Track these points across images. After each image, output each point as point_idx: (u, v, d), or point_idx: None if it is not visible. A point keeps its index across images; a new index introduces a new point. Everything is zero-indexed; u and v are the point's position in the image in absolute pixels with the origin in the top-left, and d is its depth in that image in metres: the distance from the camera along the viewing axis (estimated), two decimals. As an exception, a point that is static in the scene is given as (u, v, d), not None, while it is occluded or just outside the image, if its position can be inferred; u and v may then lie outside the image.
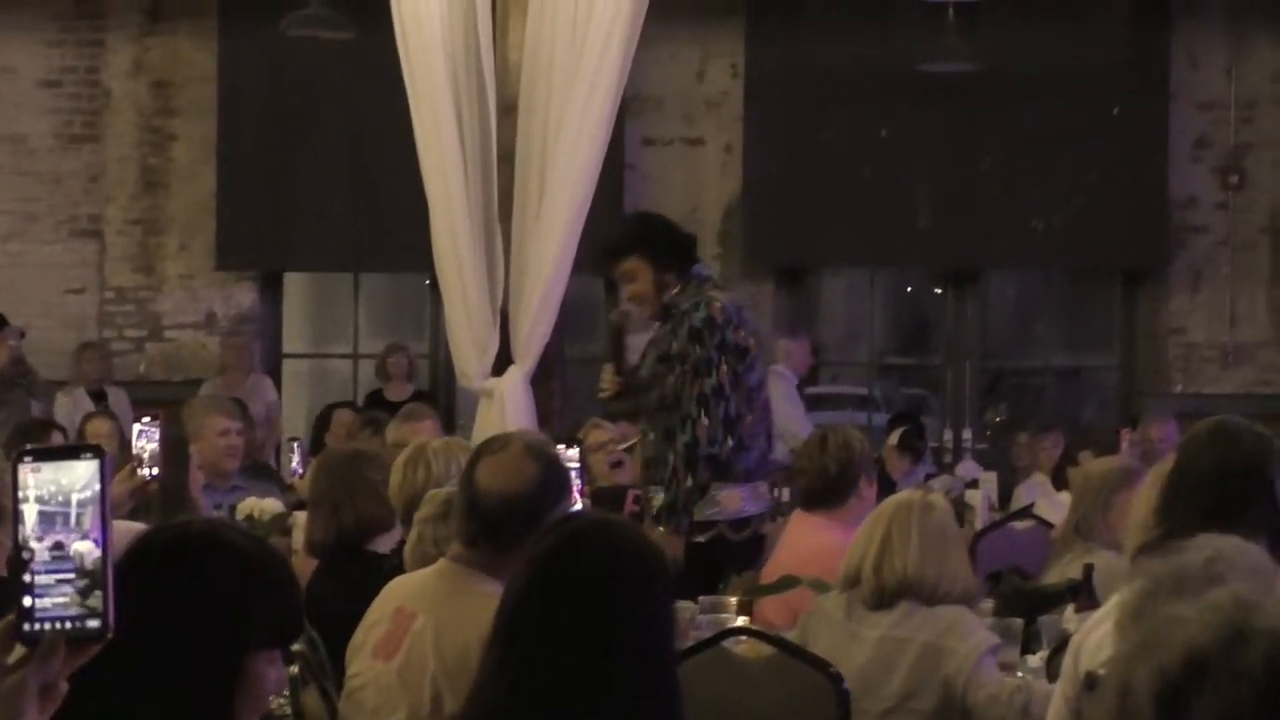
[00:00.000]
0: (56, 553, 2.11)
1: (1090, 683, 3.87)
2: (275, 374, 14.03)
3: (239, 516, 7.19)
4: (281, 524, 7.21)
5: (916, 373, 14.99)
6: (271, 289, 14.14)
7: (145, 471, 5.56)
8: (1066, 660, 4.35)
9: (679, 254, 7.25)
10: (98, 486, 2.13)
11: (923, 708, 5.00)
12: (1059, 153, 13.24)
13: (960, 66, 12.26)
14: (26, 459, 2.14)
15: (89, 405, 12.02)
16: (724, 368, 6.95)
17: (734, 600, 5.81)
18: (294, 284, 14.55)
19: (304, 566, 5.90)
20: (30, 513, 2.12)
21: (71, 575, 2.11)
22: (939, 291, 14.53)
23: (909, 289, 15.47)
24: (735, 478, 6.99)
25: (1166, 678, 1.76)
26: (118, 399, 12.47)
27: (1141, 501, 5.07)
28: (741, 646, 5.14)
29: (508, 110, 8.65)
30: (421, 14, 8.53)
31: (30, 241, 13.75)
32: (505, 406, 8.47)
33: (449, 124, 8.54)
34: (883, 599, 5.10)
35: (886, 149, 13.45)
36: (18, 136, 13.67)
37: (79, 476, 2.13)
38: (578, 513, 4.60)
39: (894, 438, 10.93)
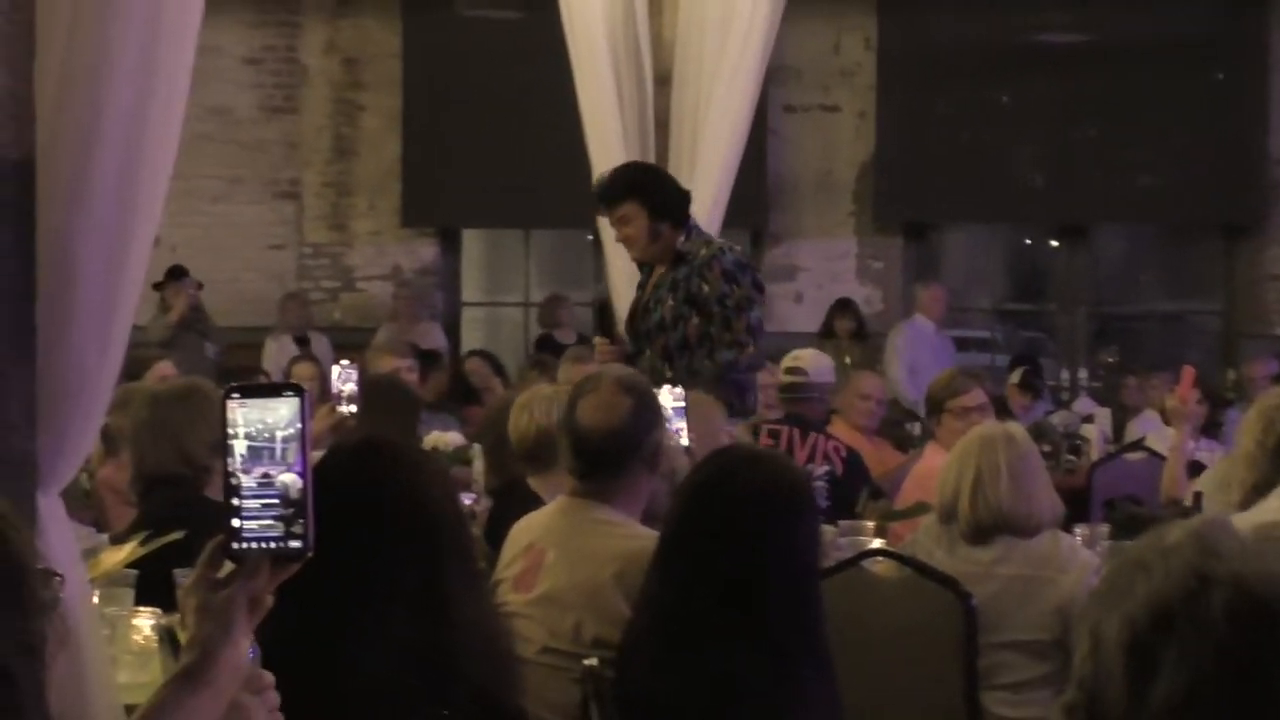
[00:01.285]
0: (263, 481, 2.11)
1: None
2: (455, 321, 14.14)
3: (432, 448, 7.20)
4: (462, 455, 7.21)
5: (1033, 318, 14.80)
6: (450, 244, 14.21)
7: (344, 409, 5.55)
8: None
9: (673, 204, 6.98)
10: (299, 423, 2.13)
11: (1042, 638, 4.87)
12: (1163, 116, 13.05)
13: (1072, 37, 12.10)
14: (234, 395, 2.14)
15: (293, 350, 12.13)
16: (757, 304, 6.81)
17: (871, 524, 5.75)
18: (471, 239, 14.62)
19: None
20: (239, 446, 2.12)
21: (276, 502, 2.12)
22: (1053, 244, 14.37)
23: (1025, 241, 15.28)
24: (745, 414, 6.89)
25: (1135, 630, 1.62)
26: (318, 343, 12.58)
27: (1245, 434, 4.94)
28: (878, 566, 5.08)
29: (662, 81, 8.61)
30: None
31: (236, 203, 13.88)
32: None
33: (609, 93, 8.50)
34: (980, 532, 4.96)
35: (1004, 114, 13.33)
36: (224, 109, 13.76)
37: (282, 413, 2.13)
38: (729, 446, 4.56)
39: (1015, 376, 10.78)
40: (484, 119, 13.47)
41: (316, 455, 3.74)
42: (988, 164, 13.33)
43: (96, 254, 3.19)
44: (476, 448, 6.90)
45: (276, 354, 12.27)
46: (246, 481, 2.11)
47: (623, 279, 8.54)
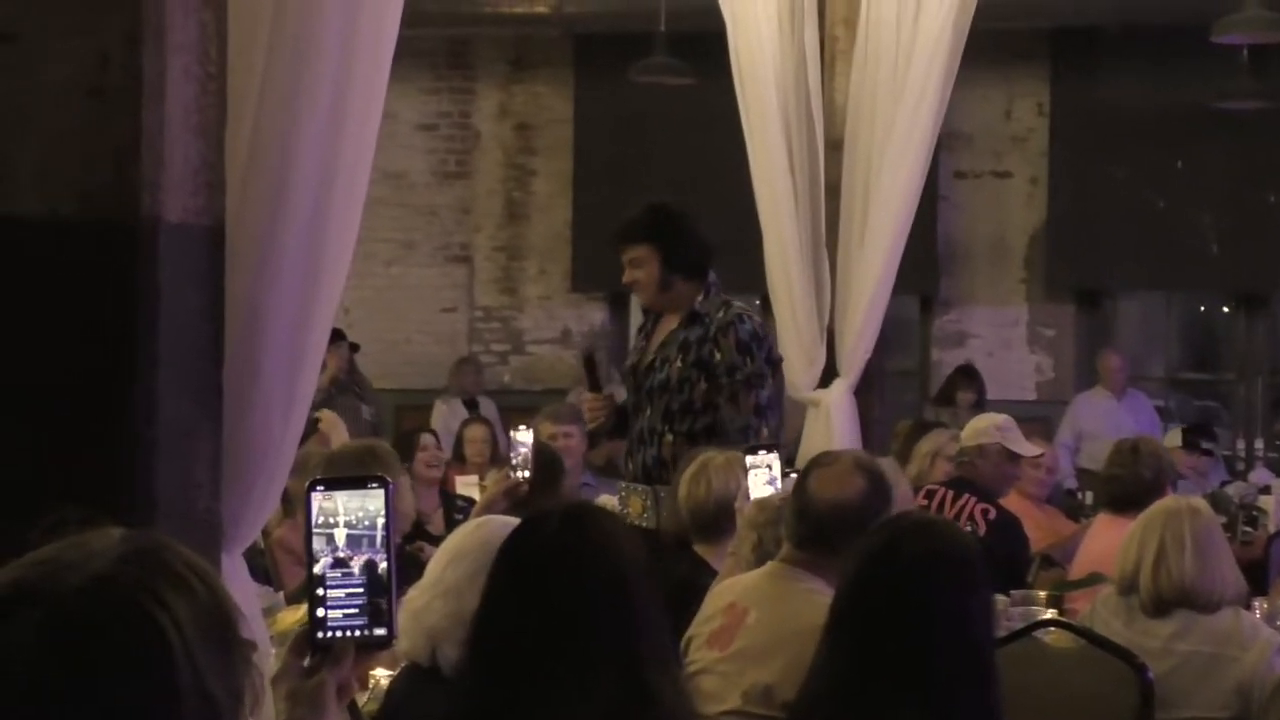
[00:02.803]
0: (348, 571, 2.17)
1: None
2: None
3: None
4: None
5: (1209, 387, 14.59)
6: (619, 308, 14.29)
7: (518, 475, 5.59)
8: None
9: (692, 257, 6.60)
10: (385, 513, 2.17)
11: (1220, 716, 4.80)
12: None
13: (1251, 104, 11.95)
14: (319, 488, 2.19)
15: (463, 412, 12.24)
16: (772, 380, 6.52)
17: (1043, 594, 5.71)
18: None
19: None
20: (322, 536, 2.17)
21: (361, 591, 2.16)
22: (1229, 311, 14.16)
23: (1201, 309, 15.08)
24: None
25: None
26: (487, 407, 12.68)
27: None
28: (1051, 637, 5.04)
29: (834, 147, 8.64)
30: (757, 60, 8.55)
31: (409, 265, 14.07)
32: (830, 415, 8.45)
33: (781, 159, 8.55)
34: (1160, 606, 4.92)
35: (1179, 181, 13.18)
36: (399, 173, 13.98)
37: (369, 504, 2.18)
38: (902, 513, 4.57)
39: (1175, 438, 10.59)
40: (654, 185, 13.55)
41: (497, 519, 3.80)
42: (1162, 230, 13.18)
43: (282, 319, 3.26)
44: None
45: (446, 416, 12.39)
46: (331, 571, 2.16)
47: (792, 345, 8.56)
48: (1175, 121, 13.01)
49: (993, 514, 7.16)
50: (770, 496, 5.01)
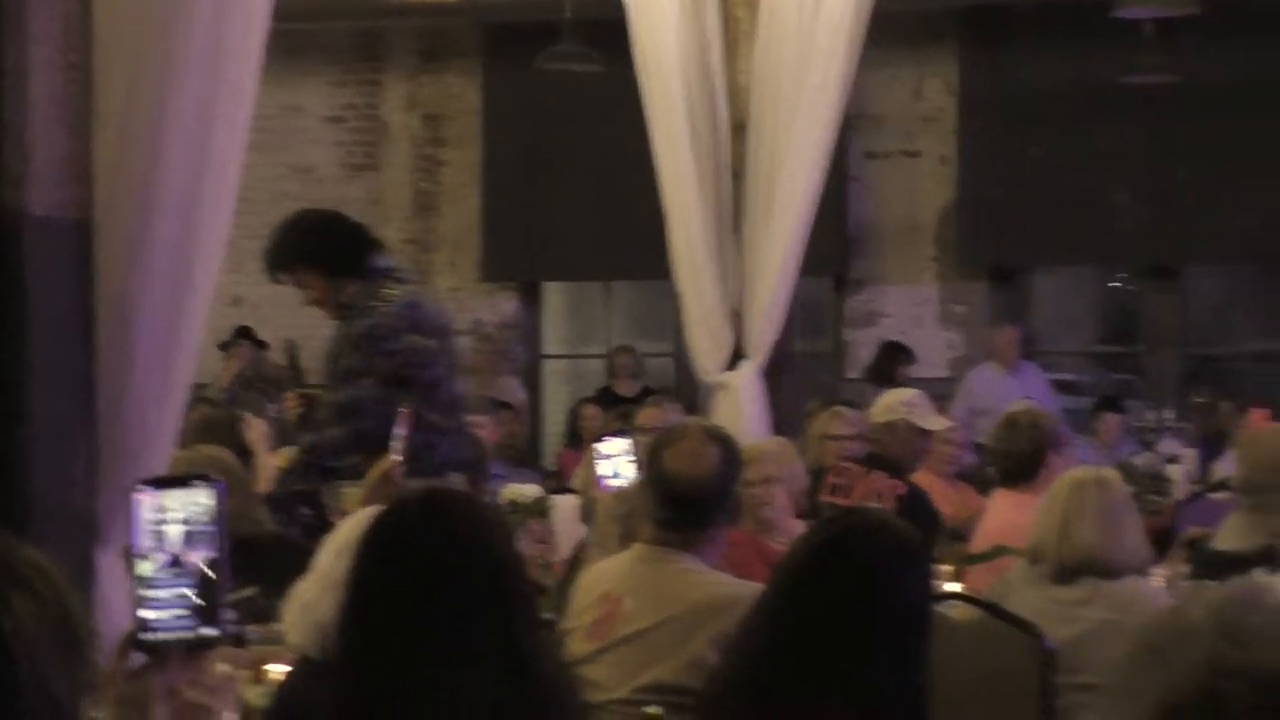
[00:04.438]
0: (175, 570, 2.13)
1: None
2: (536, 374, 14.18)
3: (502, 501, 7.20)
4: (541, 507, 7.21)
5: (1122, 360, 14.69)
6: (531, 297, 14.27)
7: (396, 456, 5.51)
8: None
9: (346, 255, 6.25)
10: (213, 512, 2.14)
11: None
12: (1250, 157, 12.93)
13: (1159, 78, 12.03)
14: (145, 488, 2.16)
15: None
16: (371, 379, 6.09)
17: (949, 568, 5.73)
18: (554, 292, 14.68)
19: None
20: (149, 537, 2.14)
21: (188, 592, 2.13)
22: (1141, 286, 14.26)
23: (1113, 284, 15.18)
24: (428, 472, 5.85)
25: None
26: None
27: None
28: (955, 611, 5.06)
29: (739, 129, 8.63)
30: (659, 44, 8.53)
31: (320, 260, 13.98)
32: (739, 398, 8.45)
33: (685, 142, 8.54)
34: (1067, 573, 4.96)
35: (1089, 157, 13.23)
36: (307, 167, 13.91)
37: (196, 502, 2.14)
38: (852, 509, 4.59)
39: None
40: (563, 172, 13.55)
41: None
42: (1073, 206, 13.23)
43: (154, 312, 3.24)
44: (556, 499, 6.91)
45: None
46: (158, 573, 2.13)
47: (699, 329, 8.57)
48: (1084, 98, 13.07)
49: (902, 490, 7.18)
50: (627, 485, 5.02)
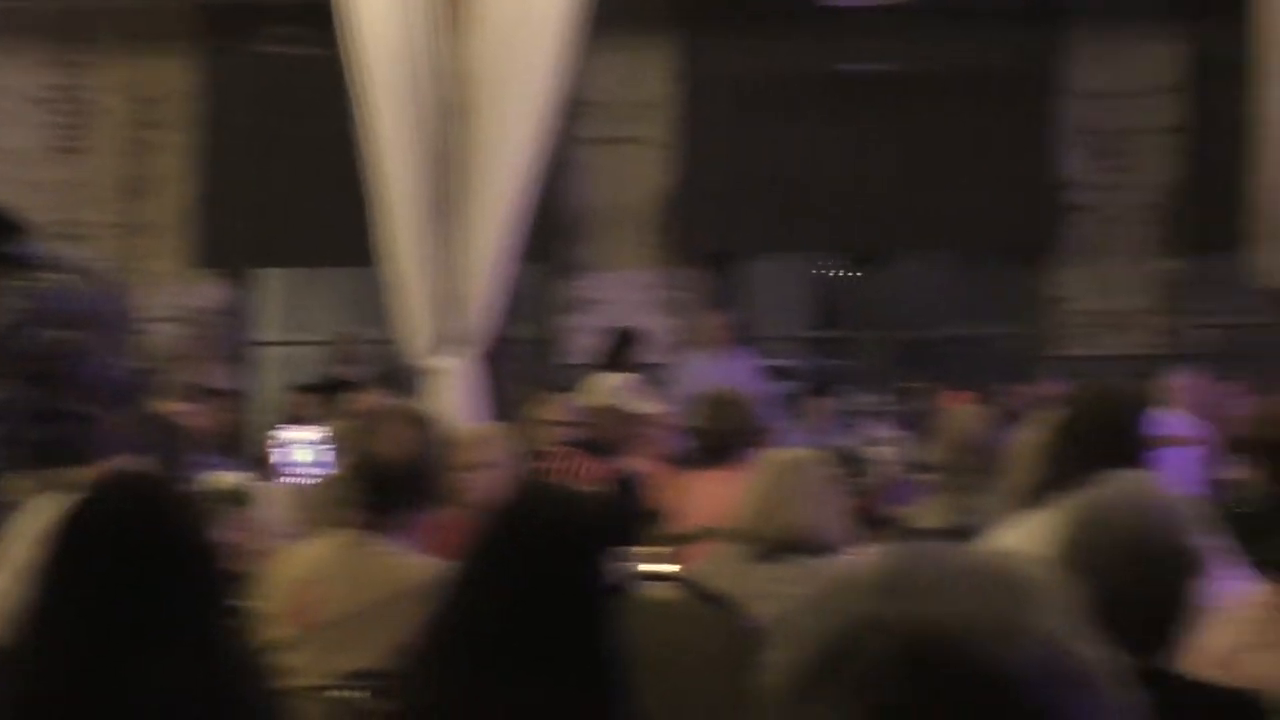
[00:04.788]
0: None
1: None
2: (250, 360, 14.01)
3: (201, 489, 7.10)
4: (239, 495, 7.10)
5: (836, 345, 14.98)
6: (244, 284, 14.08)
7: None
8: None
9: None
10: None
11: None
12: (954, 147, 13.28)
13: (870, 67, 12.28)
14: None
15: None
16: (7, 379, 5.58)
17: (654, 550, 5.77)
18: (271, 278, 14.49)
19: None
20: None
21: None
22: (854, 272, 14.54)
23: (827, 271, 15.47)
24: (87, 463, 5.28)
25: (796, 678, 1.36)
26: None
27: (1026, 447, 5.03)
28: (658, 591, 5.10)
29: (454, 114, 8.59)
30: (376, 27, 8.48)
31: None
32: (453, 383, 8.43)
33: (399, 127, 8.50)
34: (771, 552, 5.04)
35: (803, 146, 13.45)
36: (12, 149, 13.55)
37: None
38: (526, 483, 4.58)
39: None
40: (280, 157, 13.38)
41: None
42: (789, 194, 13.44)
43: None
44: (266, 486, 6.83)
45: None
46: None
47: (411, 315, 8.54)
48: (800, 87, 13.30)
49: (614, 474, 7.24)
50: (332, 470, 5.00)
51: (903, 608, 1.35)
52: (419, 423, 4.41)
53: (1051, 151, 13.42)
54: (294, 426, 5.06)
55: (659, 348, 12.75)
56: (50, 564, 2.97)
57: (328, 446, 5.13)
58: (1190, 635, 3.15)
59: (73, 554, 2.96)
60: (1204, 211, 12.93)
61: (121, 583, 2.84)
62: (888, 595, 1.37)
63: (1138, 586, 2.96)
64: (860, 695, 1.33)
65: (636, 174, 13.66)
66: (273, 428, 9.46)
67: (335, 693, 4.08)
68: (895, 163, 13.39)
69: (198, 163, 13.69)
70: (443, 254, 8.53)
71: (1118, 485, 3.20)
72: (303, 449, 5.26)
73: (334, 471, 5.19)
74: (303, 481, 5.23)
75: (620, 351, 12.30)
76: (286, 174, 13.32)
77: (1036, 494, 4.76)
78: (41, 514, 3.69)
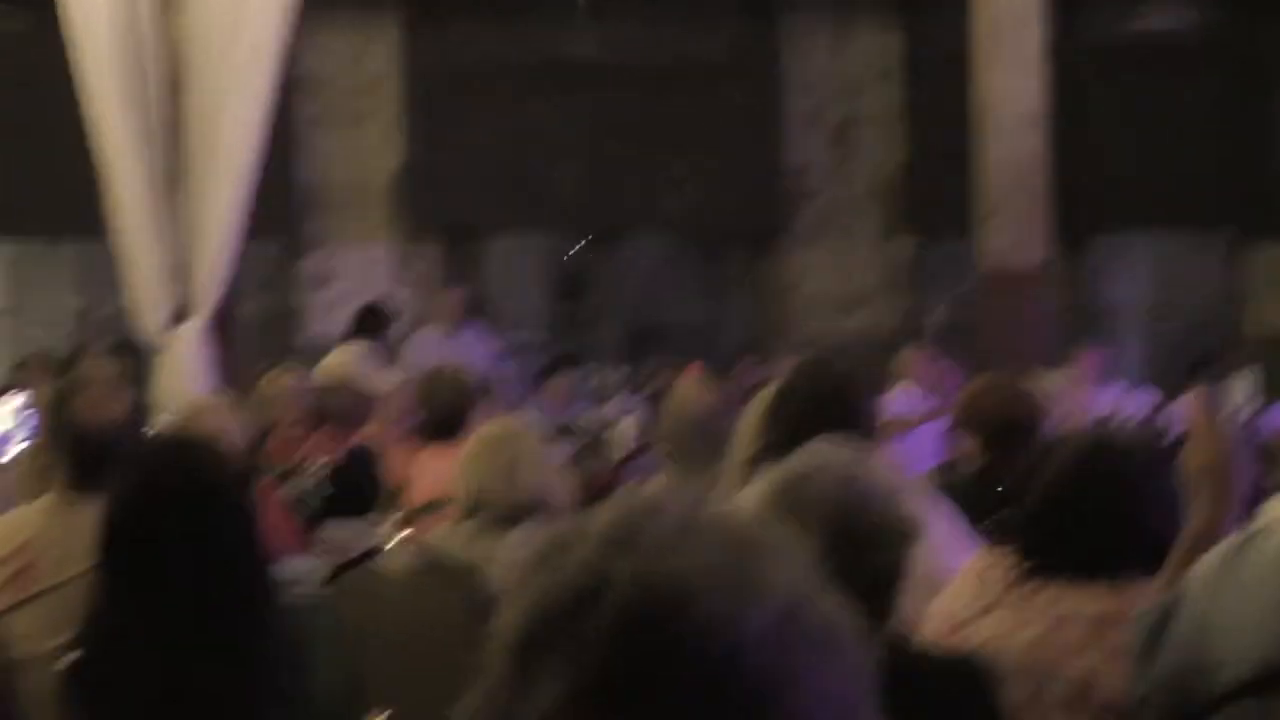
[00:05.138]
0: None
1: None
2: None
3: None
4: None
5: (574, 323, 15.06)
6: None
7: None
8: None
9: None
10: None
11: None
12: (682, 134, 13.47)
13: (596, 55, 12.41)
14: None
15: None
16: None
17: (387, 520, 5.78)
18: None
19: None
20: None
21: None
22: (588, 254, 14.64)
23: (561, 251, 15.56)
24: None
25: (522, 631, 1.30)
26: None
27: (747, 423, 5.11)
28: (390, 564, 5.09)
29: (175, 88, 8.48)
30: (89, 2, 8.35)
31: None
32: (182, 356, 8.35)
33: (119, 101, 8.38)
34: (498, 520, 5.05)
35: (532, 127, 13.52)
36: None
37: None
38: (154, 439, 4.59)
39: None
40: (5, 128, 13.07)
41: None
42: (518, 175, 13.52)
43: None
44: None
45: None
46: None
47: (139, 288, 8.44)
48: (524, 70, 13.39)
49: (347, 446, 7.22)
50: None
51: (630, 562, 1.27)
52: (118, 389, 4.39)
53: (778, 139, 13.65)
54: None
55: (399, 322, 12.71)
56: None
57: (30, 413, 5.06)
58: (907, 605, 3.18)
59: None
60: (930, 195, 13.25)
61: None
62: (615, 550, 1.28)
63: (836, 555, 2.78)
64: (581, 659, 1.24)
65: (369, 150, 13.61)
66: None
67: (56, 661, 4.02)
68: (621, 148, 13.52)
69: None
70: (171, 227, 8.43)
71: (816, 453, 3.21)
72: (3, 418, 5.17)
73: (37, 439, 5.11)
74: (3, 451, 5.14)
75: (362, 326, 12.23)
76: (15, 145, 13.01)
77: (752, 467, 4.84)
78: None
